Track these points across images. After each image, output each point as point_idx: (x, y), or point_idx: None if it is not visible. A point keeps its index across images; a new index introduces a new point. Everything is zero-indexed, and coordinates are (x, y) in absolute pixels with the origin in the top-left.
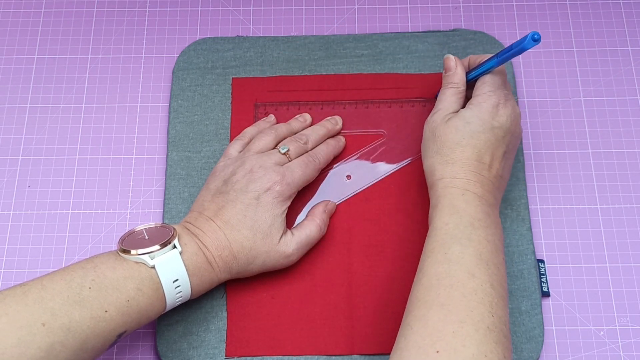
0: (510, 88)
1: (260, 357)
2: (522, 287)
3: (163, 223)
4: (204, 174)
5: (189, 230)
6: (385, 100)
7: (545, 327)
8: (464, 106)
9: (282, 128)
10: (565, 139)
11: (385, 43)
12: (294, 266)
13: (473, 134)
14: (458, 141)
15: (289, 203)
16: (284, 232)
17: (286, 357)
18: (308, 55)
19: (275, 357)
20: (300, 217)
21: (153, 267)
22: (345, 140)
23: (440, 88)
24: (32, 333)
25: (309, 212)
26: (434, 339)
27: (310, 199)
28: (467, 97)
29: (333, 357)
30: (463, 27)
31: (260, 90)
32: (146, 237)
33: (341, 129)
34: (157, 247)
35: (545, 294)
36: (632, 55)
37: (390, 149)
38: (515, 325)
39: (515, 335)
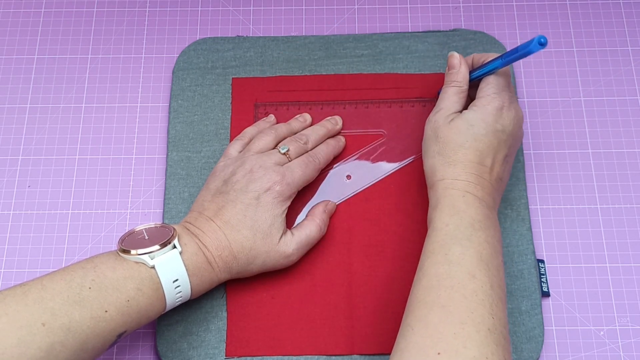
0: (513, 90)
1: (260, 357)
2: (522, 287)
3: (163, 223)
4: (204, 174)
5: (189, 230)
6: (385, 100)
7: (545, 327)
8: (466, 106)
9: (282, 128)
10: (565, 139)
11: (385, 43)
12: (294, 266)
13: (476, 136)
14: (461, 143)
15: (289, 203)
16: (284, 232)
17: (286, 357)
18: (308, 55)
19: (275, 357)
20: (300, 217)
21: (153, 267)
22: (345, 140)
23: (442, 86)
24: (32, 333)
25: (309, 212)
26: (435, 340)
27: (310, 199)
28: (469, 96)
29: (333, 357)
30: (463, 27)
31: (260, 90)
32: (146, 237)
33: (341, 129)
34: (157, 247)
35: (545, 294)
36: (632, 55)
37: (390, 149)
38: (515, 325)
39: (515, 335)
